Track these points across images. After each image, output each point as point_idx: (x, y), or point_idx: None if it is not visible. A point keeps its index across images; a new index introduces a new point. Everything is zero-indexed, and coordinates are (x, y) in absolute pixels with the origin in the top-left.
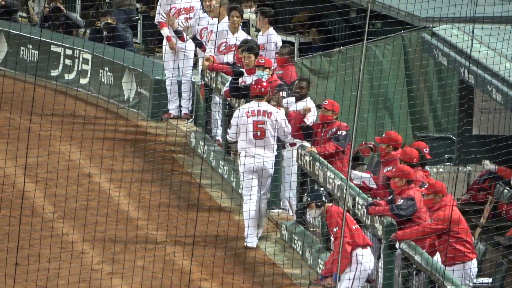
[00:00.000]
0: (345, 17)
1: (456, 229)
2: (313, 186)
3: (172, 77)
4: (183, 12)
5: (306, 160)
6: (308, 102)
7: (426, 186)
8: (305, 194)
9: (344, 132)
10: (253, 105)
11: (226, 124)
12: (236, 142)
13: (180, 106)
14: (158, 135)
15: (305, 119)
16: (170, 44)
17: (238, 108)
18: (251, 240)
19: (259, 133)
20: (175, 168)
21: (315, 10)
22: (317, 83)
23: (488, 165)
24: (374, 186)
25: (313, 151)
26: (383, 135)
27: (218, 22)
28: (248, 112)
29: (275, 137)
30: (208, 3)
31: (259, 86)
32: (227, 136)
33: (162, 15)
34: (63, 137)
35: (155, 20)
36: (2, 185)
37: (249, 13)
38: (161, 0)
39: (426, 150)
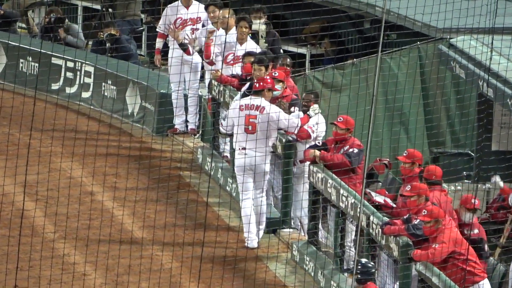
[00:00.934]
0: (359, 28)
1: (461, 250)
2: (366, 261)
3: (178, 90)
4: (189, 23)
5: (318, 177)
6: (318, 118)
7: (424, 214)
8: (358, 267)
9: (356, 150)
10: (248, 99)
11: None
12: (230, 135)
13: (186, 121)
14: (164, 151)
15: (313, 133)
16: (156, 58)
17: (234, 100)
18: (252, 239)
19: (250, 128)
20: (181, 186)
21: (328, 21)
22: (329, 96)
23: (496, 181)
24: (394, 205)
25: (316, 155)
26: (405, 154)
27: (226, 33)
28: (242, 106)
29: (269, 133)
30: (212, 14)
31: (257, 83)
32: (221, 128)
33: (165, 26)
34: (64, 154)
35: (157, 29)
36: (0, 204)
37: (259, 24)
38: (166, 11)
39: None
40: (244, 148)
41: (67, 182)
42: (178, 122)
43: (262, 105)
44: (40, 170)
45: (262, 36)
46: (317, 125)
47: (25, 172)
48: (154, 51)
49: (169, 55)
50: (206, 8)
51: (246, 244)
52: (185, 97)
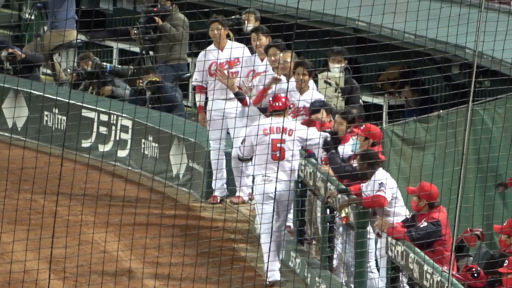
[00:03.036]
0: (446, 73)
1: None
2: None
3: (219, 149)
4: (226, 66)
5: (397, 251)
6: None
7: None
8: None
9: (424, 224)
10: (272, 121)
11: (298, 206)
12: (248, 160)
13: (226, 184)
14: (215, 220)
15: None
16: (200, 118)
17: (254, 124)
18: (272, 274)
19: (278, 154)
20: (235, 261)
21: (409, 65)
22: (411, 155)
23: None
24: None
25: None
26: (505, 223)
27: (288, 80)
28: (266, 130)
29: (298, 158)
30: (273, 58)
31: (276, 102)
32: (239, 153)
33: (202, 76)
34: (97, 223)
35: (192, 82)
36: (22, 283)
37: (334, 69)
38: (202, 55)
39: None
40: (268, 176)
41: (100, 257)
42: (218, 186)
43: (289, 127)
44: (68, 243)
45: (330, 84)
46: (388, 188)
47: (51, 245)
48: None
49: (208, 107)
50: (266, 51)
51: (267, 281)
52: (226, 156)
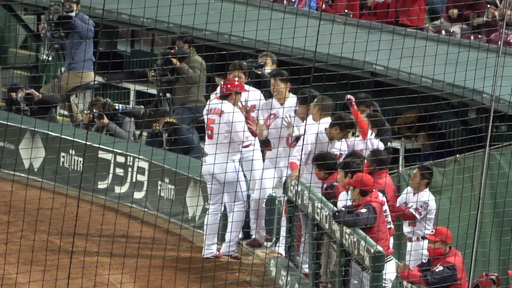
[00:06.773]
0: (463, 118)
1: None
2: None
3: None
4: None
5: None
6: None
7: None
8: None
9: (440, 268)
10: (214, 103)
11: (314, 248)
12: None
13: (256, 229)
14: (231, 263)
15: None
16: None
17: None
18: (208, 252)
19: (209, 132)
20: None
21: (426, 109)
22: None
23: None
24: None
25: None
26: None
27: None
28: (206, 110)
29: (228, 138)
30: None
31: (224, 86)
32: None
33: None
34: (113, 265)
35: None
36: None
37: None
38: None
39: None
40: (206, 158)
41: None
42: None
43: (222, 108)
44: (84, 284)
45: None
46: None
47: (67, 286)
48: None
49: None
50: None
51: (202, 254)
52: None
